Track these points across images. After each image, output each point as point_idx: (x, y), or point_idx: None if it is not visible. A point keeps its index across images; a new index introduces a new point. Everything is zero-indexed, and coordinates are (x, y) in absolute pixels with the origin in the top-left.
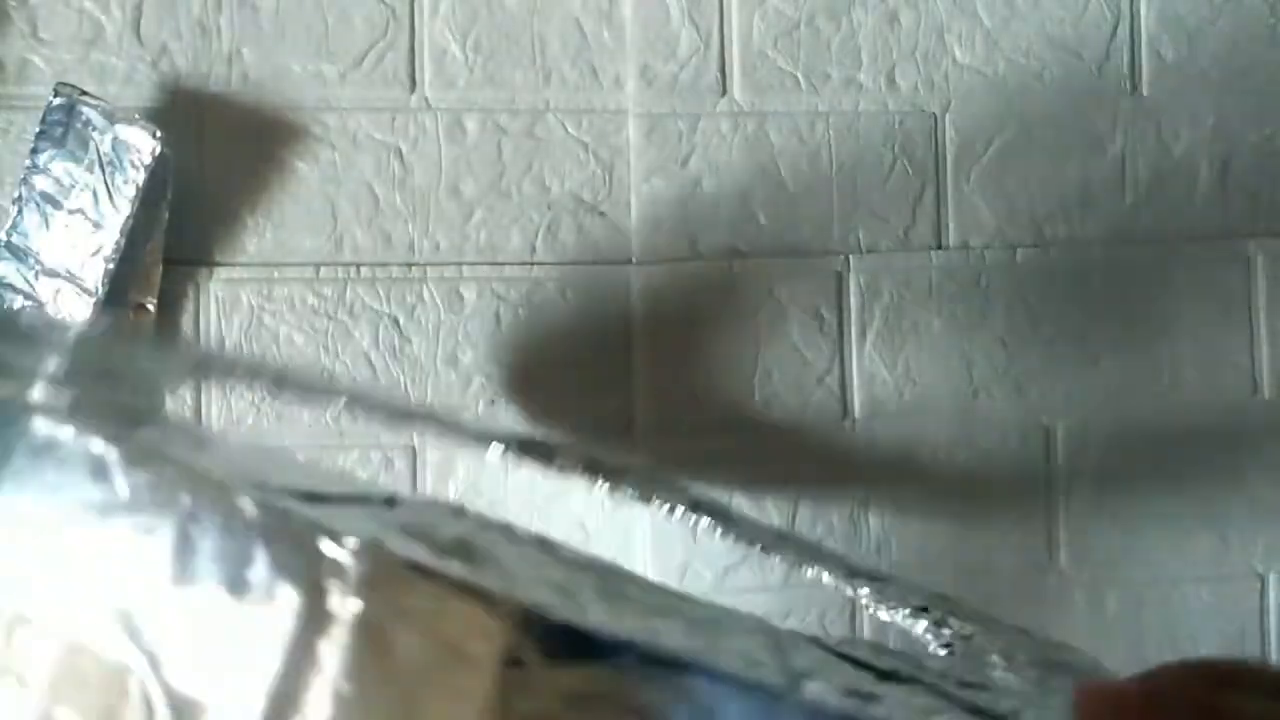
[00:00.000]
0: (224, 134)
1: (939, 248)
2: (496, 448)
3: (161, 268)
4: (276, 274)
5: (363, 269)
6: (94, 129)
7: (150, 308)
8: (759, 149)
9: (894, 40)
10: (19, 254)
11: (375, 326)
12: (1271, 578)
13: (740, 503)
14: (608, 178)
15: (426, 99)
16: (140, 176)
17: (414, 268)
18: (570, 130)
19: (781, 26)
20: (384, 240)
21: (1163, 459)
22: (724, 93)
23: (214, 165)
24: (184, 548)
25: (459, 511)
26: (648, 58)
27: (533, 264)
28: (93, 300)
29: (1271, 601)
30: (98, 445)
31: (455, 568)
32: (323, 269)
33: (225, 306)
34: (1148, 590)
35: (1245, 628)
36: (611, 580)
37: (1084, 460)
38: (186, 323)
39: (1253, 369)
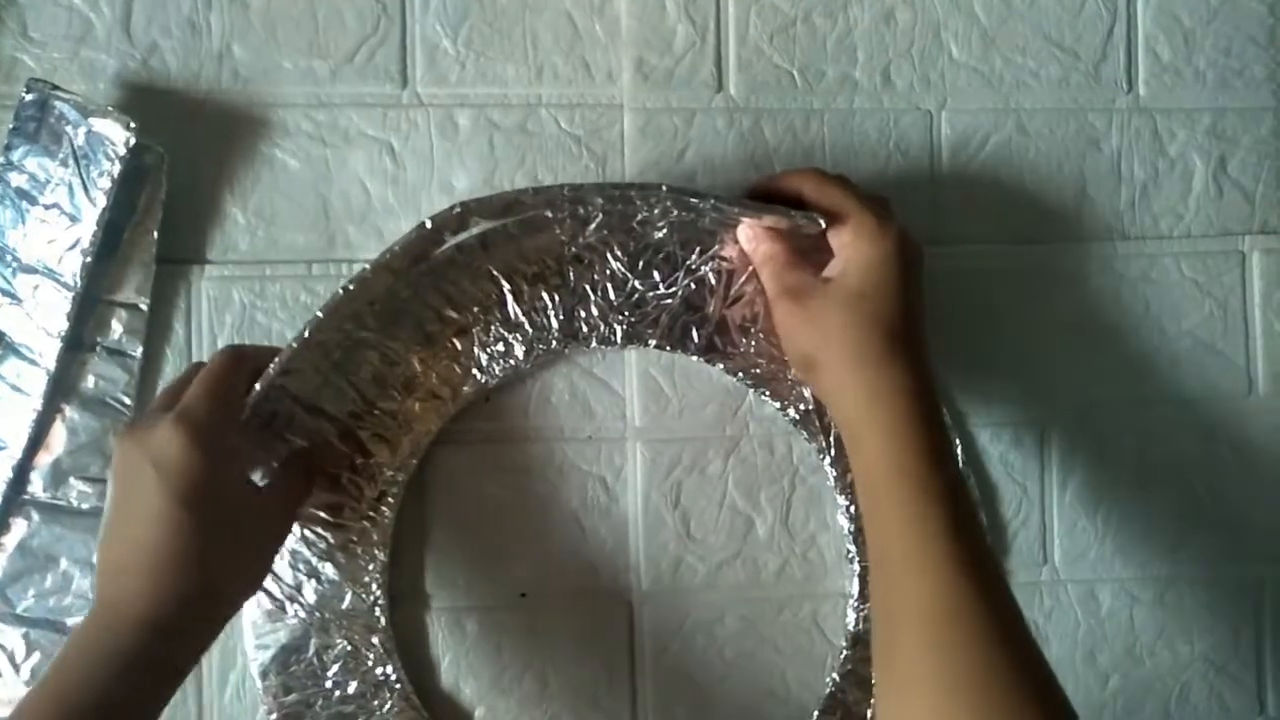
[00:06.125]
0: (215, 131)
1: (935, 246)
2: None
3: (154, 266)
4: (269, 271)
5: (355, 266)
6: (67, 123)
7: (143, 307)
8: (754, 145)
9: (890, 38)
10: None
11: None
12: (1267, 577)
13: (734, 498)
14: (601, 172)
15: (418, 94)
16: (115, 168)
17: None
18: (563, 125)
19: (777, 22)
20: (376, 237)
21: (1158, 457)
22: (719, 88)
23: (205, 163)
24: None
25: None
26: (643, 52)
27: None
28: (71, 294)
29: (1266, 601)
30: None
31: None
32: (315, 266)
33: (217, 305)
34: (1141, 589)
35: (1240, 627)
36: None
37: (1078, 458)
38: (179, 321)
39: (1248, 367)
